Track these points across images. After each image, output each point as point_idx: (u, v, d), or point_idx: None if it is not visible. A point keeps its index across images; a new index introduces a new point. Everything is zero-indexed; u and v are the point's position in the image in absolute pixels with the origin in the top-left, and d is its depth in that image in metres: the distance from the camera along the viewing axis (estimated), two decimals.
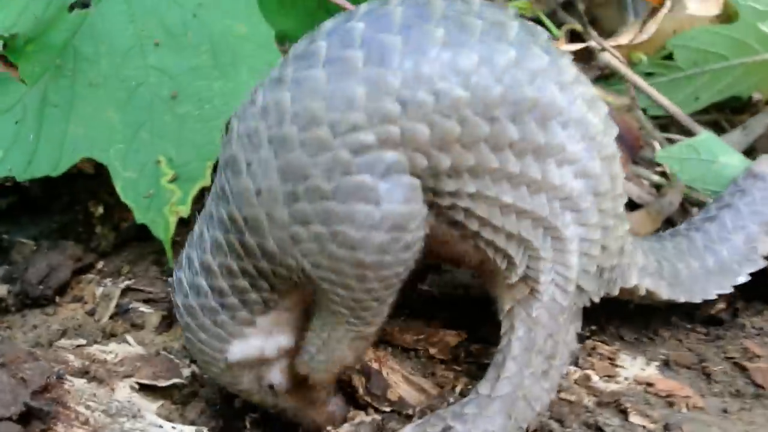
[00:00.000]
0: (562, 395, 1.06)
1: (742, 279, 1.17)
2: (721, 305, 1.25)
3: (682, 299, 1.13)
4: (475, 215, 0.90)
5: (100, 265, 1.35)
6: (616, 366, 1.13)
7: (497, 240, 0.92)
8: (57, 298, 1.30)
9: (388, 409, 1.02)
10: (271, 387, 1.00)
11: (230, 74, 1.27)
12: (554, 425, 1.02)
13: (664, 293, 1.11)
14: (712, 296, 1.16)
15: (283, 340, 0.98)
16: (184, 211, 1.28)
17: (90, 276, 1.33)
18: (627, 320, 1.22)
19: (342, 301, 0.91)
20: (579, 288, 0.97)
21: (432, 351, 1.12)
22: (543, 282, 0.95)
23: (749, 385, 1.13)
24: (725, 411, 1.08)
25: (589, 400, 1.07)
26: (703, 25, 1.60)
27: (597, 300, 1.02)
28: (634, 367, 1.14)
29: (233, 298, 0.93)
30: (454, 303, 1.25)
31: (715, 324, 1.24)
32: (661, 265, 1.12)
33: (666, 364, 1.16)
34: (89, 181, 1.48)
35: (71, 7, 1.24)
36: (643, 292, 1.08)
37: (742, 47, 1.59)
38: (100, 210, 1.43)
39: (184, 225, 1.31)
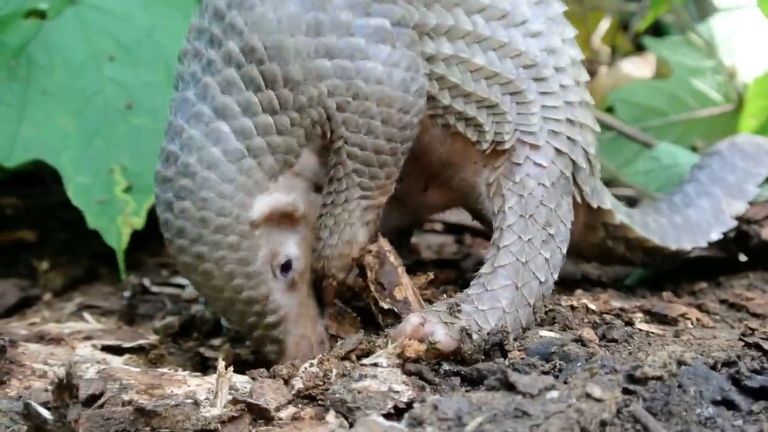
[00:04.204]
0: (564, 302, 1.00)
1: (715, 236, 1.18)
2: (703, 284, 1.22)
3: (656, 240, 1.13)
4: (448, 83, 0.93)
5: (47, 296, 1.25)
6: (611, 304, 1.07)
7: (468, 109, 0.94)
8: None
9: (386, 306, 0.94)
10: (286, 267, 0.91)
11: None
12: (563, 312, 0.95)
13: (638, 230, 1.11)
14: (686, 247, 1.16)
15: (303, 200, 0.92)
16: (138, 223, 1.23)
17: (37, 307, 1.23)
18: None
19: (360, 153, 0.90)
20: (556, 150, 0.97)
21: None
22: (509, 141, 0.96)
23: (750, 316, 1.08)
24: (732, 327, 1.03)
25: (593, 310, 1.00)
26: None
27: (587, 192, 1.01)
28: (631, 303, 1.08)
29: (259, 139, 0.87)
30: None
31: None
32: (632, 214, 1.14)
33: (662, 300, 1.11)
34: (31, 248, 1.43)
35: (27, 14, 1.24)
36: (617, 221, 1.08)
37: (679, 103, 1.67)
38: (45, 265, 1.36)
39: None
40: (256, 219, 0.87)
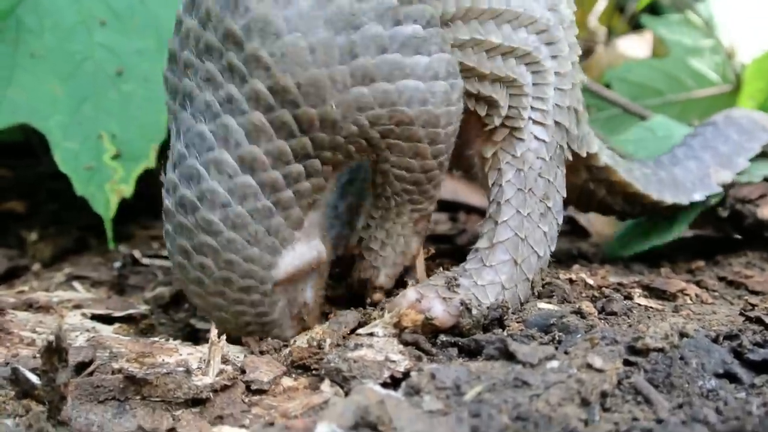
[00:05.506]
0: (562, 276, 0.99)
1: (698, 197, 1.16)
2: (701, 262, 1.21)
3: (638, 186, 1.10)
4: (462, 68, 0.87)
5: (36, 267, 1.23)
6: (609, 279, 1.06)
7: (482, 89, 0.90)
8: None
9: None
10: (303, 307, 0.88)
11: None
12: (561, 286, 0.94)
13: (622, 174, 1.08)
14: (667, 200, 1.14)
15: (319, 244, 0.86)
16: (127, 190, 1.21)
17: (26, 277, 1.20)
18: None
19: (408, 176, 0.86)
20: (556, 123, 0.94)
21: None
22: (524, 118, 0.92)
23: (749, 293, 1.07)
24: (731, 304, 1.02)
25: (591, 284, 0.99)
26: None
27: (576, 147, 0.99)
28: (629, 278, 1.07)
29: (288, 192, 0.80)
30: None
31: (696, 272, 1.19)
32: (617, 158, 1.11)
33: (660, 276, 1.10)
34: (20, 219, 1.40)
35: None
36: (601, 163, 1.05)
37: (677, 83, 1.65)
38: (34, 236, 1.33)
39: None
40: (280, 279, 0.83)
